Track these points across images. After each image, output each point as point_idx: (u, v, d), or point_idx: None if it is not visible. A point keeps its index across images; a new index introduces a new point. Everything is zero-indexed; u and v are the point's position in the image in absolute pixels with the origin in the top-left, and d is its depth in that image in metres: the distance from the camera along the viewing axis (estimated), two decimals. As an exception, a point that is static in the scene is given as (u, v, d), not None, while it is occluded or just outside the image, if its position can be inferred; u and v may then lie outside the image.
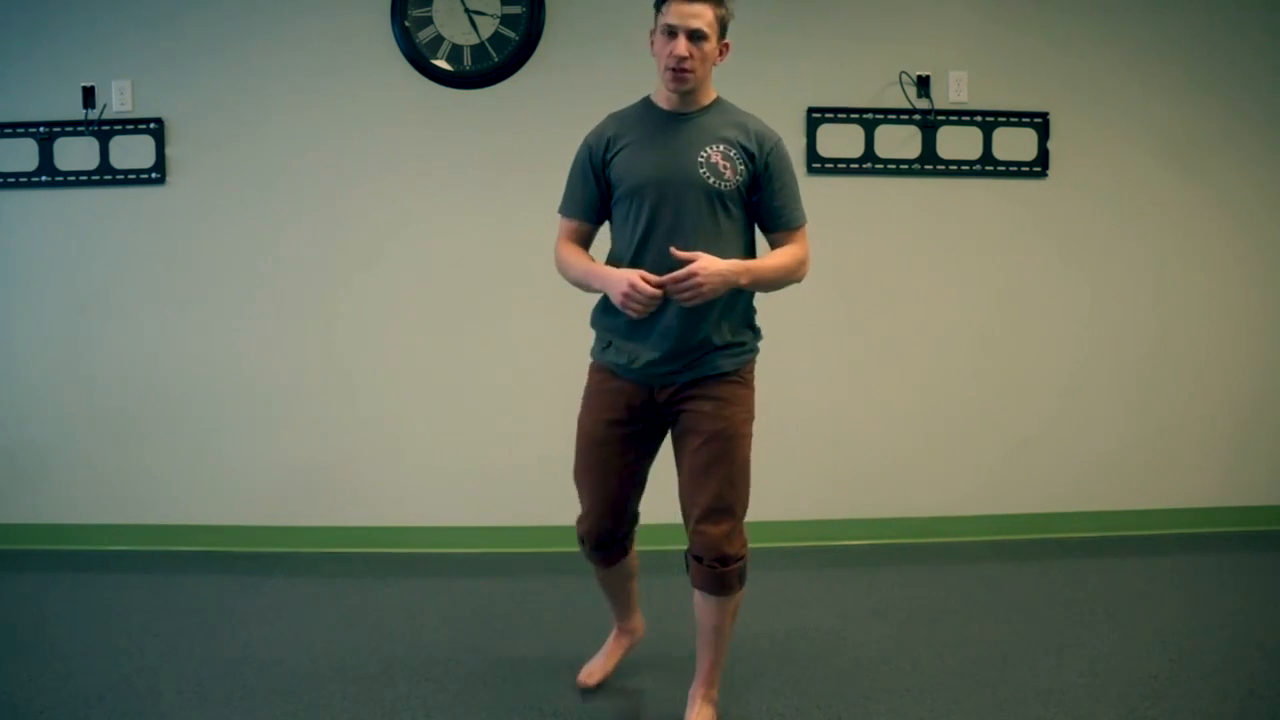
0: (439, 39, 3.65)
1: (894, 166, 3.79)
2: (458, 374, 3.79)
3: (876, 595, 3.34)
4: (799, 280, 2.37)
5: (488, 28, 3.65)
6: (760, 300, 3.89)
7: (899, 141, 3.78)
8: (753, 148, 2.29)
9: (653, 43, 2.28)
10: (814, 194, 3.73)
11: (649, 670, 2.77)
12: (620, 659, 2.71)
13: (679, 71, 2.22)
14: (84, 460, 3.79)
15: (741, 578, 2.32)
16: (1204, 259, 3.91)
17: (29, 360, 3.78)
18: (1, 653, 2.89)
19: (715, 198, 2.25)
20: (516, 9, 3.64)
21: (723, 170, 2.26)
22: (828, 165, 3.76)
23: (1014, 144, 3.81)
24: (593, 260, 2.36)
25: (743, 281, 2.23)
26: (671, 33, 2.21)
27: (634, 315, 2.19)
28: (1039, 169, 3.82)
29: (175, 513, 3.80)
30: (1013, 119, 3.80)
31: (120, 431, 3.79)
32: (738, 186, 2.27)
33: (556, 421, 3.74)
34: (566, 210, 2.42)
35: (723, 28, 2.27)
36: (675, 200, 2.24)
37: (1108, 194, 3.86)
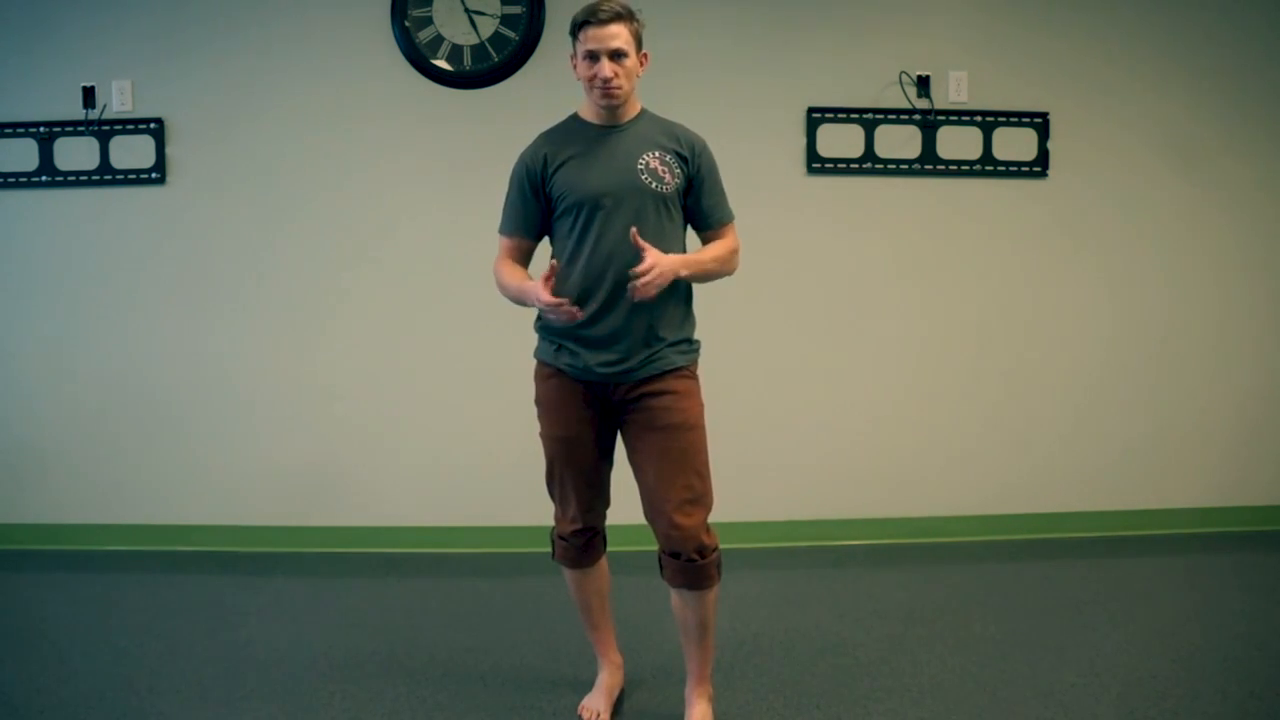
0: (439, 39, 3.65)
1: (894, 166, 3.79)
2: (458, 373, 3.78)
3: (876, 595, 3.34)
4: (731, 272, 2.47)
5: (488, 28, 3.65)
6: (761, 301, 3.89)
7: (899, 141, 3.78)
8: (685, 153, 2.40)
9: (575, 66, 2.37)
10: (814, 194, 3.79)
11: (648, 669, 2.77)
12: (616, 695, 2.60)
13: (608, 91, 2.31)
14: (84, 460, 3.79)
15: (719, 568, 2.39)
16: (1207, 258, 3.91)
17: (29, 360, 3.78)
18: (1, 653, 2.89)
19: (659, 201, 2.35)
20: (516, 9, 3.64)
21: (662, 175, 2.35)
22: (828, 165, 3.76)
23: (1014, 144, 3.80)
24: (527, 277, 2.42)
25: (684, 273, 2.32)
26: (594, 57, 2.30)
27: (556, 322, 2.27)
28: (1039, 169, 3.82)
29: (175, 513, 3.80)
30: (1013, 119, 3.80)
31: (120, 431, 3.79)
32: (676, 189, 2.38)
33: (556, 421, 3.75)
34: (507, 228, 2.47)
35: (638, 41, 2.35)
36: (623, 208, 2.32)
37: (1108, 194, 3.86)
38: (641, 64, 2.37)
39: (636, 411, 2.37)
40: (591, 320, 2.31)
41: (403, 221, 3.75)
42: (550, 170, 2.37)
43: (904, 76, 3.76)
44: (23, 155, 3.70)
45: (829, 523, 3.87)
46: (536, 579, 3.50)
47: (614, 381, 2.36)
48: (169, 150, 3.71)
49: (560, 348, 2.39)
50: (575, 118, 2.43)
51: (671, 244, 2.37)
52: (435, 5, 3.64)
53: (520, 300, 2.38)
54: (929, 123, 3.78)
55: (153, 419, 3.78)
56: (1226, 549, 3.77)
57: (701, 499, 2.35)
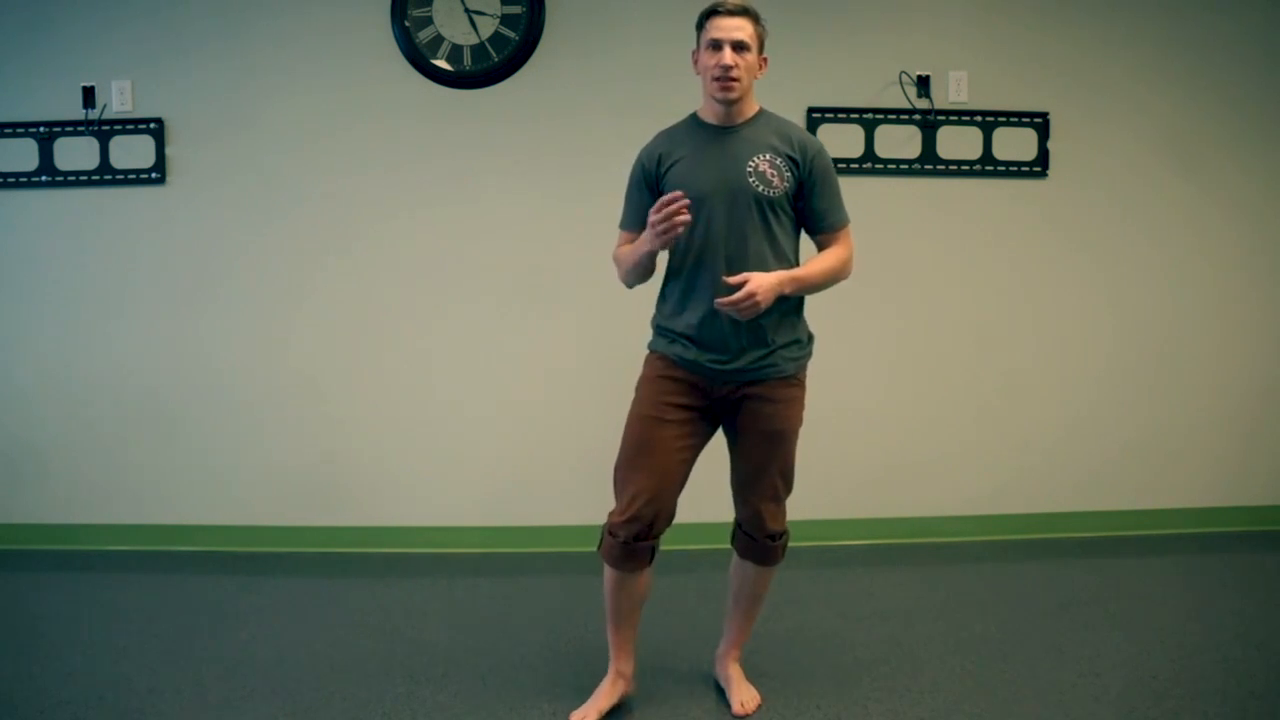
0: (439, 39, 3.65)
1: (894, 166, 3.79)
2: (458, 374, 3.78)
3: (876, 595, 3.34)
4: (845, 277, 2.50)
5: (488, 28, 3.65)
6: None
7: (899, 141, 3.78)
8: (797, 156, 2.40)
9: (696, 61, 2.41)
10: (814, 194, 3.78)
11: (647, 670, 2.77)
12: (611, 706, 2.53)
13: (726, 81, 2.33)
14: (83, 460, 3.79)
15: (784, 550, 2.58)
16: (1207, 258, 3.91)
17: (29, 360, 3.77)
18: (1, 653, 2.89)
19: (766, 204, 2.36)
20: (516, 9, 3.64)
21: (770, 178, 2.36)
22: (828, 165, 3.76)
23: (1014, 144, 3.81)
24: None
25: (787, 290, 2.34)
26: (716, 46, 2.33)
27: (677, 232, 2.25)
28: (1039, 169, 3.82)
29: (175, 513, 3.80)
30: (1013, 119, 3.80)
31: (120, 431, 3.78)
32: (785, 193, 2.38)
33: (557, 422, 3.76)
34: (625, 224, 2.52)
35: (760, 43, 2.38)
36: (729, 209, 2.34)
37: (1108, 194, 3.86)
38: (761, 67, 2.40)
39: (741, 413, 2.43)
40: (701, 321, 2.35)
41: (403, 221, 3.74)
42: (663, 168, 2.40)
43: (904, 76, 3.76)
44: (23, 155, 3.70)
45: (829, 523, 3.87)
46: (537, 579, 3.50)
47: (723, 380, 2.39)
48: (169, 150, 3.71)
49: (674, 340, 2.42)
50: (694, 117, 2.47)
51: (783, 248, 2.39)
52: (435, 5, 3.64)
53: (636, 259, 2.41)
54: (929, 123, 3.78)
55: (153, 419, 3.78)
56: (1226, 549, 3.77)
57: (781, 496, 2.53)
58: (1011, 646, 2.91)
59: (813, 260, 2.43)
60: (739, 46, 2.32)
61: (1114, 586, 3.39)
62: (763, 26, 2.38)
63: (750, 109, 2.42)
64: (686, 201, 2.24)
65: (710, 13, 2.34)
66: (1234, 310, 3.93)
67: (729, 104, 2.36)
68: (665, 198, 2.24)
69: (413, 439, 3.80)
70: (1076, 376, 3.91)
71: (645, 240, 2.34)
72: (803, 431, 3.79)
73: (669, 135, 2.46)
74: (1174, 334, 3.92)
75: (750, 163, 2.35)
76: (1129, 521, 3.95)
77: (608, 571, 2.47)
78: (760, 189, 2.34)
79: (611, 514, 2.44)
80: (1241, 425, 3.96)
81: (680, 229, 2.25)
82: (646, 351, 2.51)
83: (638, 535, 2.39)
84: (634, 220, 2.47)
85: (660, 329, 2.48)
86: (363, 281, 3.76)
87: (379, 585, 3.48)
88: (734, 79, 2.32)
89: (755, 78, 2.39)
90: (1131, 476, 3.95)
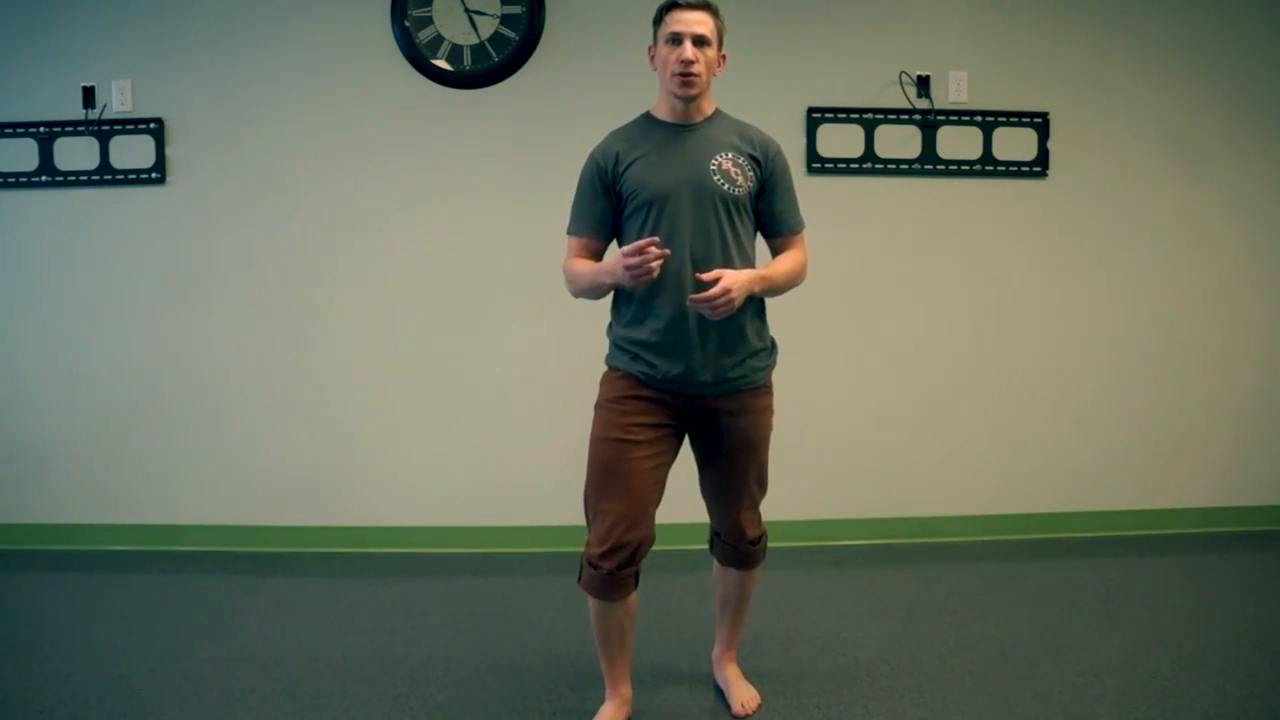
0: (439, 39, 3.65)
1: (894, 166, 3.79)
2: (458, 374, 3.79)
3: (876, 595, 3.34)
4: (801, 283, 2.45)
5: (488, 28, 3.66)
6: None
7: (899, 141, 3.78)
8: (759, 155, 2.35)
9: (652, 57, 2.34)
10: (814, 194, 3.74)
11: (647, 672, 2.77)
12: None
13: (686, 76, 2.27)
14: (84, 460, 3.79)
15: (765, 551, 2.56)
16: (1207, 258, 3.91)
17: (29, 360, 3.78)
18: (1, 653, 2.89)
19: (730, 203, 2.30)
20: (516, 9, 3.64)
21: (734, 176, 2.30)
22: (828, 165, 3.76)
23: (1014, 144, 3.81)
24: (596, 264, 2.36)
25: (757, 289, 2.28)
26: (676, 40, 2.27)
27: (651, 277, 2.16)
28: (1039, 169, 3.82)
29: (174, 513, 3.80)
30: (1013, 119, 3.80)
31: (120, 431, 3.79)
32: (749, 192, 2.33)
33: (557, 422, 3.75)
34: (576, 228, 2.39)
35: (720, 39, 2.33)
36: (693, 207, 2.27)
37: (1108, 194, 3.86)
38: (720, 64, 2.34)
39: (715, 428, 2.36)
40: (668, 325, 2.26)
41: (403, 221, 3.74)
42: (621, 168, 2.31)
43: (904, 76, 3.76)
44: (23, 155, 3.70)
45: (829, 523, 3.87)
46: (536, 579, 3.50)
47: (692, 395, 2.31)
48: (169, 150, 3.71)
49: (636, 356, 2.32)
50: (647, 116, 2.39)
51: (744, 248, 2.33)
52: (435, 5, 3.64)
53: (597, 285, 2.32)
54: (929, 123, 3.78)
55: (153, 419, 3.78)
56: (1226, 549, 3.77)
57: (758, 502, 2.50)
58: (1011, 646, 2.91)
59: (776, 261, 2.39)
60: (699, 41, 2.25)
61: (1115, 587, 3.39)
62: (722, 21, 2.32)
63: (709, 107, 2.37)
64: (666, 252, 2.17)
65: (670, 6, 2.28)
66: (1235, 310, 3.93)
67: (688, 100, 2.30)
68: (641, 242, 2.13)
69: (413, 439, 3.80)
70: (1077, 376, 3.90)
71: (611, 274, 2.23)
72: (803, 430, 3.83)
73: (623, 134, 2.37)
74: (1175, 334, 3.92)
75: (714, 161, 2.29)
76: (1130, 521, 3.94)
77: (592, 604, 2.35)
78: (725, 187, 2.28)
79: (588, 545, 2.30)
80: (1242, 425, 3.96)
81: (656, 274, 2.17)
82: (604, 369, 2.39)
83: (624, 562, 2.27)
84: (586, 225, 2.36)
85: (619, 342, 2.36)
86: (362, 281, 3.76)
87: (379, 585, 3.48)
88: (694, 74, 2.25)
89: (715, 74, 2.33)
90: (1133, 476, 3.94)
